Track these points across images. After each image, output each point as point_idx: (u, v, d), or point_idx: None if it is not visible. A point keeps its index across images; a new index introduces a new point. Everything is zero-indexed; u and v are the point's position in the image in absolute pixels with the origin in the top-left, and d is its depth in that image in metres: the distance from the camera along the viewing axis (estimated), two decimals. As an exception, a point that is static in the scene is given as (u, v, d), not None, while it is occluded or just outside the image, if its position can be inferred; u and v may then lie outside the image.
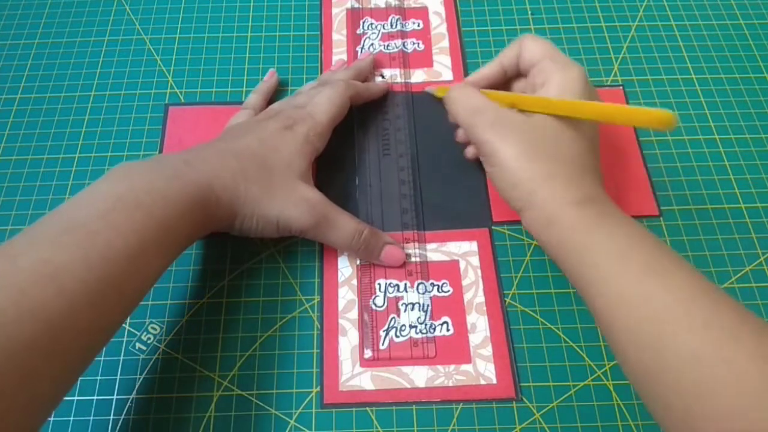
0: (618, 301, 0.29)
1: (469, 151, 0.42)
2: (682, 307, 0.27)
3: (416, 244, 0.39)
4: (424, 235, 0.40)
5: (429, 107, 0.44)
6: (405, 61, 0.47)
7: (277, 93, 0.45)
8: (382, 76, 0.46)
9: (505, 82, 0.39)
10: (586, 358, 0.36)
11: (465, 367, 0.36)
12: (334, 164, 0.42)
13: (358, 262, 0.39)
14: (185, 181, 0.32)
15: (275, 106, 0.42)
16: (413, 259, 0.39)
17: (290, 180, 0.36)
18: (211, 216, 0.33)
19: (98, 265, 0.27)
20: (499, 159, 0.33)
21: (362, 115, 0.44)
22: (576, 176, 0.32)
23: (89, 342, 0.28)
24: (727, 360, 0.25)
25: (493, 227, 0.40)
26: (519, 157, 0.32)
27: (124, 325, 0.37)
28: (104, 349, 0.36)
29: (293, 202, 0.35)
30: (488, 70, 0.39)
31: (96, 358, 0.36)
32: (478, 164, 0.41)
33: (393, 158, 0.42)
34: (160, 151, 0.43)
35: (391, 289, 0.38)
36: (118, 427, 0.34)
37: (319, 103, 0.39)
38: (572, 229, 0.31)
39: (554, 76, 0.34)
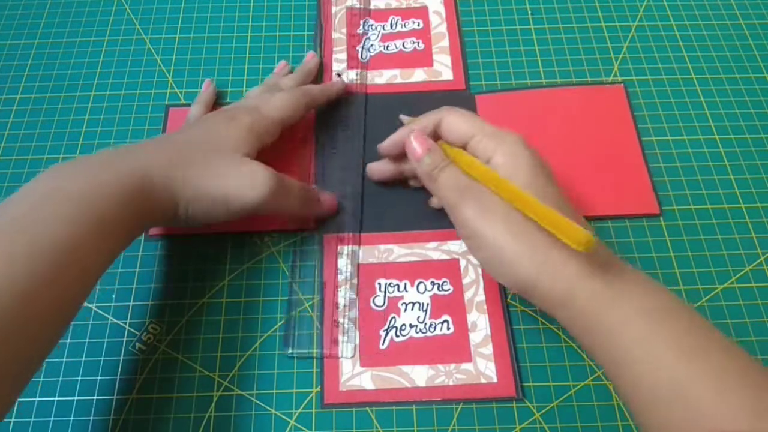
0: (653, 386, 0.28)
1: (434, 201, 0.40)
2: (720, 396, 0.26)
3: (350, 246, 0.39)
4: (359, 237, 0.40)
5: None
6: (363, 63, 0.47)
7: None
8: (338, 75, 0.46)
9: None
10: (586, 358, 0.36)
11: (465, 365, 0.36)
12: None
13: (359, 260, 0.39)
14: (118, 169, 0.32)
15: (224, 107, 0.41)
16: (344, 258, 0.39)
17: (236, 158, 0.35)
18: (150, 205, 0.32)
19: (24, 260, 0.26)
20: (487, 242, 0.31)
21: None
22: None
23: (26, 343, 0.27)
24: None
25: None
26: (509, 240, 0.30)
27: (124, 325, 0.37)
28: (104, 349, 0.36)
29: (244, 175, 0.34)
30: (397, 136, 0.37)
31: (98, 358, 0.36)
32: None
33: (339, 156, 0.42)
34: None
35: (391, 289, 0.38)
36: (118, 427, 0.34)
37: (270, 101, 0.39)
38: (586, 309, 0.29)
39: (498, 150, 0.33)
